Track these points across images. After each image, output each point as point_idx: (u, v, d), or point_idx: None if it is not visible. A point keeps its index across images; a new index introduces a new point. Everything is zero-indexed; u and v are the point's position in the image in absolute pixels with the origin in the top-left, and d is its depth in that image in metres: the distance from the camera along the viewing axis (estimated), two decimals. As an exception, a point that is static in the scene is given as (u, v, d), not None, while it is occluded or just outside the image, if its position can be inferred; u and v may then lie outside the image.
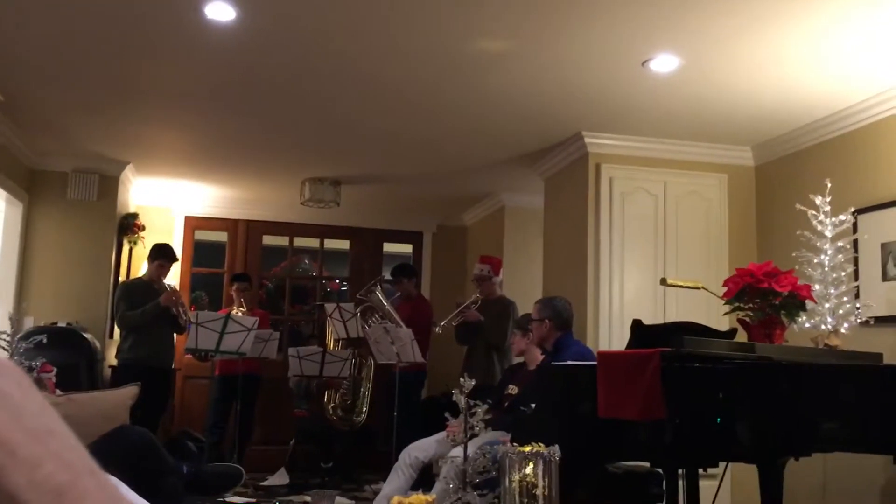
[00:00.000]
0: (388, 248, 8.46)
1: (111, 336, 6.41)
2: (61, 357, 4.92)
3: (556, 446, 2.19)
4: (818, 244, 3.75)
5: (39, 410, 0.36)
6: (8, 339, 3.98)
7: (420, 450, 4.63)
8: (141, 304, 5.68)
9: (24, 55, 4.23)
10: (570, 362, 3.82)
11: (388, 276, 7.18)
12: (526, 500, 2.12)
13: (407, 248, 8.49)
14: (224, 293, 7.67)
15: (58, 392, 3.60)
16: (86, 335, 5.79)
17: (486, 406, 2.52)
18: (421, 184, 6.92)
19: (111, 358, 6.24)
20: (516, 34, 3.79)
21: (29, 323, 5.92)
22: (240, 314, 6.23)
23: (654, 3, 3.42)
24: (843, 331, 3.64)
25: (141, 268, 6.75)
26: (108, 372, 6.19)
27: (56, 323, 5.86)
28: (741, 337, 3.40)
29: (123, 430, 3.10)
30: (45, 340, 4.37)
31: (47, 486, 0.33)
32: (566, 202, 5.68)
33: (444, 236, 8.38)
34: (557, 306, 4.45)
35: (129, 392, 3.76)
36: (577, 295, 5.10)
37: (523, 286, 6.67)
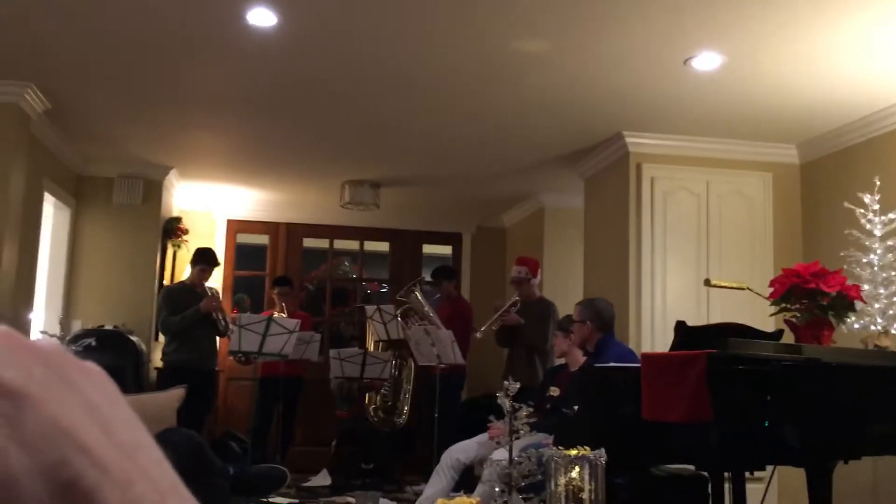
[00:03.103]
0: (428, 249, 8.47)
1: (156, 339, 6.51)
2: (109, 360, 5.01)
3: (602, 450, 2.18)
4: (867, 243, 3.67)
5: (127, 421, 0.36)
6: (57, 341, 4.06)
7: (461, 452, 4.63)
8: (182, 308, 5.75)
9: (68, 64, 4.33)
10: (612, 364, 3.79)
11: (428, 277, 7.20)
12: (572, 504, 2.11)
13: (446, 250, 8.49)
14: (265, 296, 7.74)
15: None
16: (132, 338, 5.89)
17: (529, 408, 2.51)
18: (460, 185, 6.92)
19: (157, 360, 6.34)
20: (556, 34, 3.77)
21: (77, 326, 6.04)
22: (281, 317, 6.28)
23: (695, 0, 3.38)
24: (893, 331, 3.56)
25: (184, 271, 6.85)
26: (153, 374, 6.29)
27: (103, 326, 5.97)
28: (788, 338, 3.34)
29: (171, 432, 3.14)
30: (93, 343, 4.46)
31: None
32: (607, 202, 5.63)
33: (483, 237, 8.37)
34: (599, 308, 4.41)
35: (175, 394, 3.82)
36: (619, 296, 5.06)
37: (564, 287, 6.63)
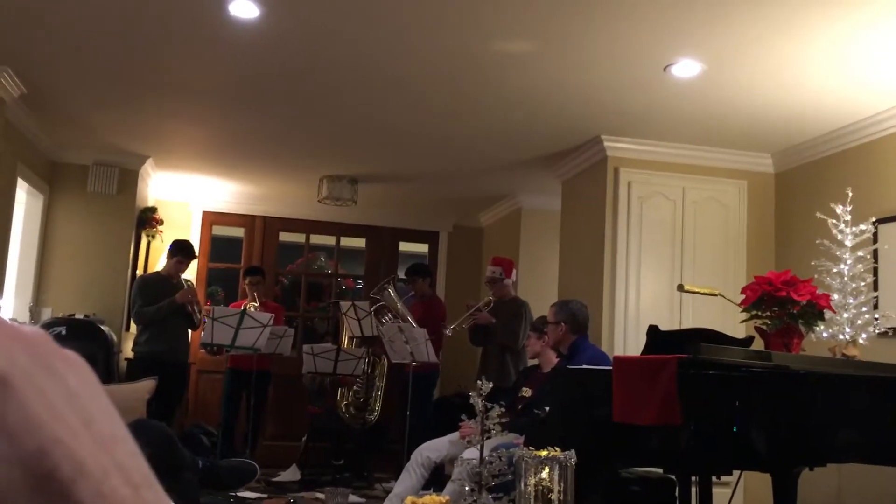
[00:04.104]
0: (404, 247, 8.47)
1: (128, 329, 6.46)
2: (79, 349, 4.91)
3: (573, 451, 2.19)
4: (838, 253, 3.72)
5: (106, 412, 0.35)
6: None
7: (432, 450, 4.63)
8: (157, 299, 5.71)
9: (46, 48, 4.27)
10: (584, 366, 3.81)
11: (402, 275, 7.20)
12: (541, 505, 2.12)
13: (423, 248, 8.49)
14: (239, 288, 7.70)
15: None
16: (103, 327, 5.83)
17: (501, 408, 2.52)
18: (438, 183, 6.93)
19: (127, 351, 6.29)
20: (538, 36, 3.78)
21: (47, 314, 5.98)
22: (253, 308, 6.25)
23: (677, 8, 3.41)
24: (861, 341, 3.61)
25: (158, 261, 6.79)
26: (124, 365, 6.24)
27: (74, 315, 5.91)
28: (758, 345, 3.38)
29: (140, 423, 3.12)
30: (63, 332, 4.40)
31: (111, 499, 0.33)
32: (583, 205, 5.66)
33: (460, 236, 8.38)
34: (573, 309, 4.44)
35: (146, 386, 3.79)
36: (593, 298, 5.09)
37: (539, 289, 6.66)
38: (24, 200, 5.96)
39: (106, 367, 5.61)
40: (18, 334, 0.34)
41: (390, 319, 6.16)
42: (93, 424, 0.34)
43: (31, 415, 0.32)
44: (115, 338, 5.93)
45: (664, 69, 4.08)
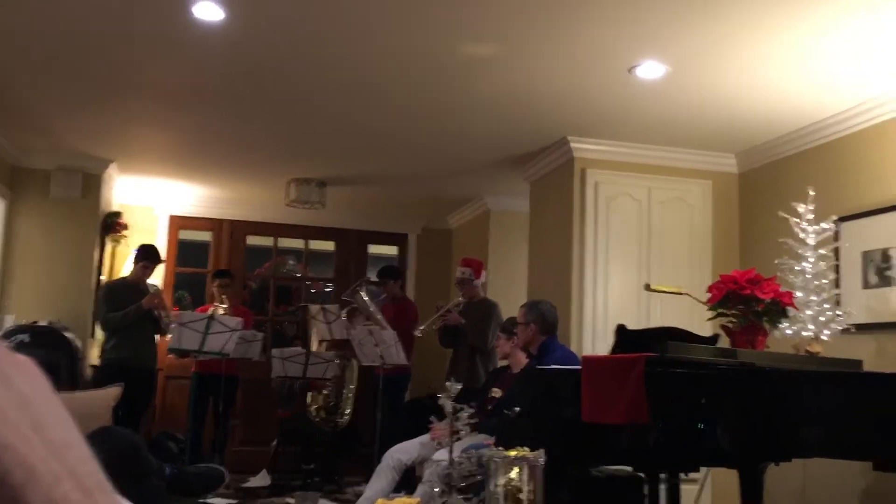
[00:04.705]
0: (374, 249, 8.45)
1: (93, 335, 6.37)
2: (43, 356, 4.87)
3: (542, 451, 2.20)
4: (800, 252, 3.79)
5: (58, 418, 0.35)
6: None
7: (403, 452, 4.63)
8: (124, 305, 5.64)
9: (6, 50, 4.20)
10: (554, 366, 3.83)
11: (373, 277, 7.19)
12: (511, 505, 2.13)
13: (392, 250, 8.49)
14: (207, 292, 7.63)
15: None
16: (67, 334, 5.72)
17: (471, 409, 2.52)
18: (407, 185, 6.92)
19: (93, 357, 6.20)
20: (504, 38, 3.80)
21: (10, 321, 5.87)
22: (221, 311, 6.20)
23: (640, 10, 3.44)
24: (823, 338, 3.68)
25: (124, 267, 6.71)
26: (89, 372, 6.14)
27: (37, 321, 5.81)
28: (724, 343, 3.43)
29: (107, 430, 3.08)
30: (27, 339, 4.32)
31: None
32: (551, 206, 5.70)
33: (429, 238, 8.39)
34: (543, 310, 4.46)
35: (112, 393, 3.74)
36: (562, 299, 5.12)
37: (508, 290, 6.68)
38: (-15, 206, 5.86)
39: (70, 374, 5.51)
40: None
41: (363, 322, 6.14)
42: (45, 430, 0.34)
43: None
44: (79, 344, 5.83)
45: (629, 71, 4.12)
